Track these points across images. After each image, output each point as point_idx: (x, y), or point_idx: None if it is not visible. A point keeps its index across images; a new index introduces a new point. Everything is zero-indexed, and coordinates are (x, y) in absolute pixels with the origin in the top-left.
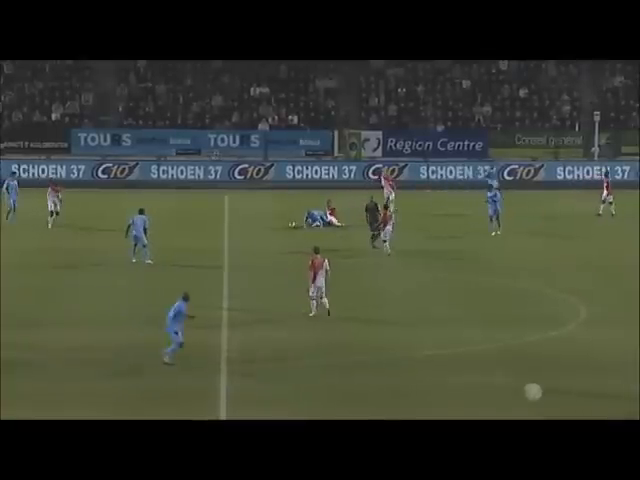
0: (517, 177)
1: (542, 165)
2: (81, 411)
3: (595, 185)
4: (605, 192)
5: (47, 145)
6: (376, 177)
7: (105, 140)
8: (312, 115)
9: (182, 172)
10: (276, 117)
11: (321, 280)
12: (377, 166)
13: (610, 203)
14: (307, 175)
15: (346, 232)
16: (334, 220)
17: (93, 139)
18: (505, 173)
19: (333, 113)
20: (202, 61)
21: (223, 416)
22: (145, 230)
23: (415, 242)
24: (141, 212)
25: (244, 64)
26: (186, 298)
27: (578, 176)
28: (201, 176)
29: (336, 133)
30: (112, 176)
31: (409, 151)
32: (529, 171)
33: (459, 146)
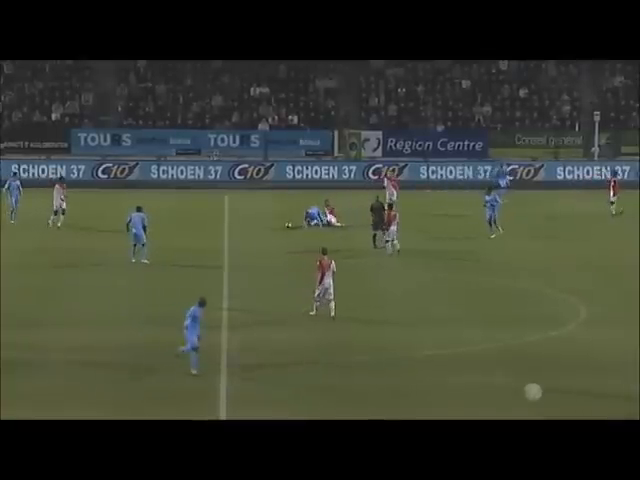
0: (517, 177)
1: (542, 165)
2: (81, 411)
3: (595, 185)
4: (612, 192)
5: (47, 145)
6: (376, 177)
7: (105, 140)
8: (312, 115)
9: (182, 172)
10: (276, 117)
11: (328, 281)
12: (377, 166)
13: (612, 203)
14: (307, 175)
15: (346, 232)
16: (333, 220)
17: (93, 139)
18: None
19: (333, 113)
20: (202, 61)
21: (223, 416)
22: (144, 228)
23: (415, 242)
24: (139, 210)
25: (244, 64)
26: (202, 303)
27: (578, 176)
28: (201, 176)
29: (336, 133)
30: (112, 176)
31: (409, 151)
32: (529, 171)
33: (459, 146)
